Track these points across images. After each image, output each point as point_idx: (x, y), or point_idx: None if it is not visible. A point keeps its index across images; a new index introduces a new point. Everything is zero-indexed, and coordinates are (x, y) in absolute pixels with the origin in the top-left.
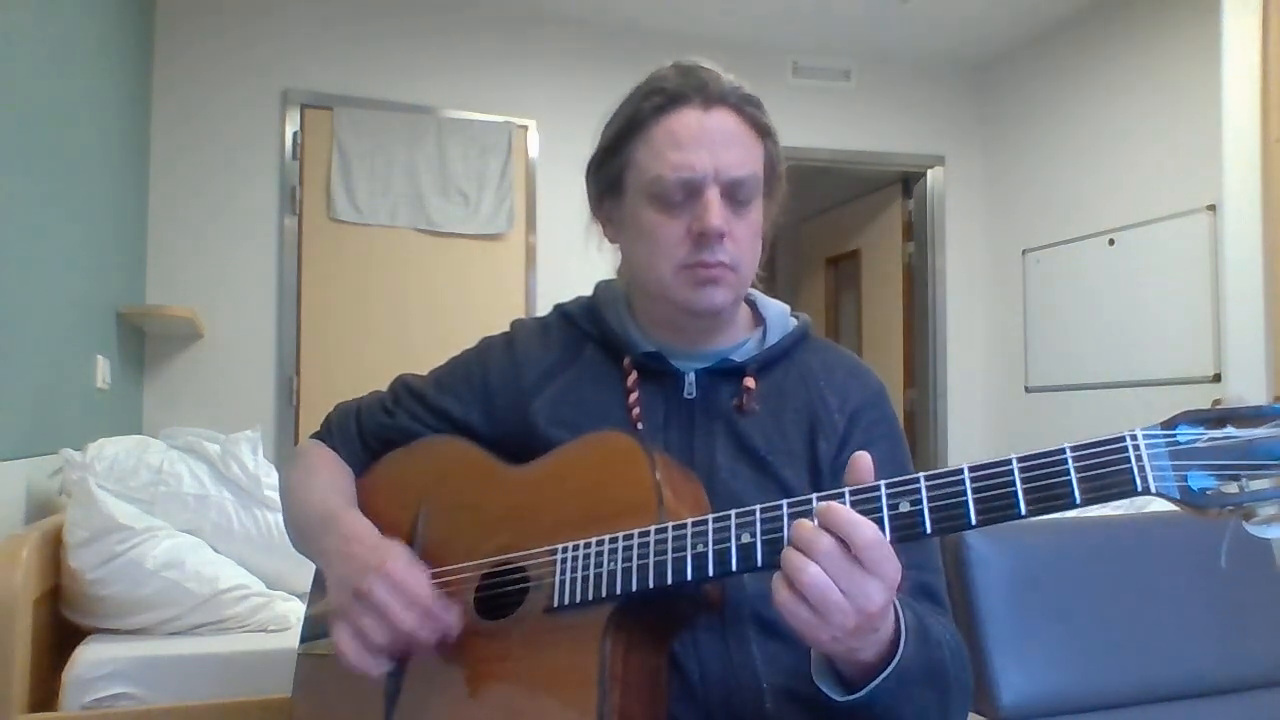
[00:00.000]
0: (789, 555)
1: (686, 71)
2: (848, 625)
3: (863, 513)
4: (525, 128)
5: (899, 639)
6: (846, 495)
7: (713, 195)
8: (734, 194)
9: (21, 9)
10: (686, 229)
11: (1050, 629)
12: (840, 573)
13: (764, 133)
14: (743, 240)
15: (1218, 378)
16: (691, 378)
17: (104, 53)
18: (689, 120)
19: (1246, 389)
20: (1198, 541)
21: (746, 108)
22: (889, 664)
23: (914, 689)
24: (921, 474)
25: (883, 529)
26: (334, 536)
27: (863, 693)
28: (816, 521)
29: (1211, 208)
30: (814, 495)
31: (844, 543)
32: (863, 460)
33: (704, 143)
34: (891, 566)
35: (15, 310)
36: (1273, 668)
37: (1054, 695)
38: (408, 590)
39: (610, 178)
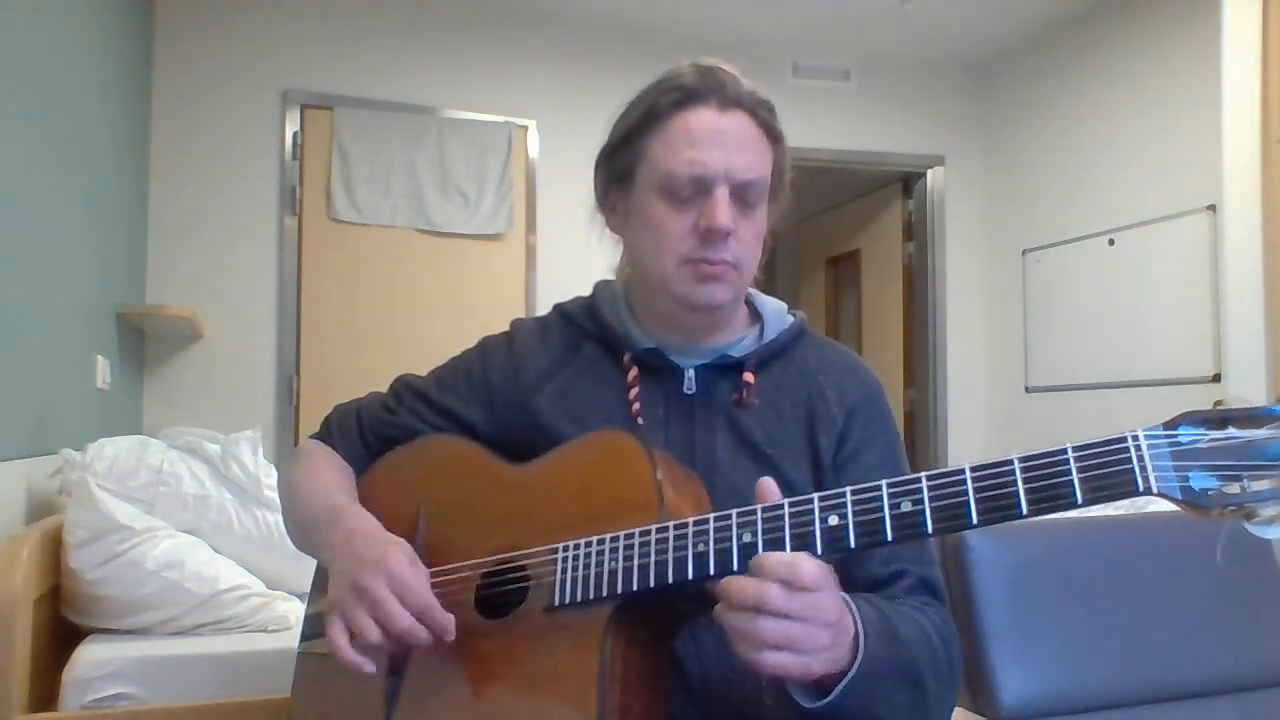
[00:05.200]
0: (740, 622)
1: (705, 71)
2: (823, 641)
3: (864, 511)
4: (525, 128)
5: (859, 642)
6: (849, 495)
7: (721, 194)
8: (742, 195)
9: (21, 9)
10: (693, 224)
11: (1050, 629)
12: (792, 607)
13: (775, 139)
14: (746, 240)
15: (1217, 378)
16: (691, 374)
17: (104, 53)
18: (705, 118)
19: (1246, 389)
20: (1198, 541)
21: (761, 112)
22: (853, 666)
23: (884, 688)
24: (923, 474)
25: (884, 528)
26: (338, 529)
27: (831, 697)
28: (753, 573)
29: (1211, 208)
30: (815, 495)
31: (786, 583)
32: (767, 485)
33: (718, 142)
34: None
35: (15, 310)
36: (1273, 668)
37: (1054, 695)
38: (407, 589)
39: (621, 168)
